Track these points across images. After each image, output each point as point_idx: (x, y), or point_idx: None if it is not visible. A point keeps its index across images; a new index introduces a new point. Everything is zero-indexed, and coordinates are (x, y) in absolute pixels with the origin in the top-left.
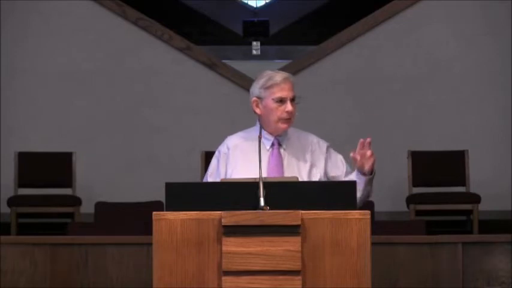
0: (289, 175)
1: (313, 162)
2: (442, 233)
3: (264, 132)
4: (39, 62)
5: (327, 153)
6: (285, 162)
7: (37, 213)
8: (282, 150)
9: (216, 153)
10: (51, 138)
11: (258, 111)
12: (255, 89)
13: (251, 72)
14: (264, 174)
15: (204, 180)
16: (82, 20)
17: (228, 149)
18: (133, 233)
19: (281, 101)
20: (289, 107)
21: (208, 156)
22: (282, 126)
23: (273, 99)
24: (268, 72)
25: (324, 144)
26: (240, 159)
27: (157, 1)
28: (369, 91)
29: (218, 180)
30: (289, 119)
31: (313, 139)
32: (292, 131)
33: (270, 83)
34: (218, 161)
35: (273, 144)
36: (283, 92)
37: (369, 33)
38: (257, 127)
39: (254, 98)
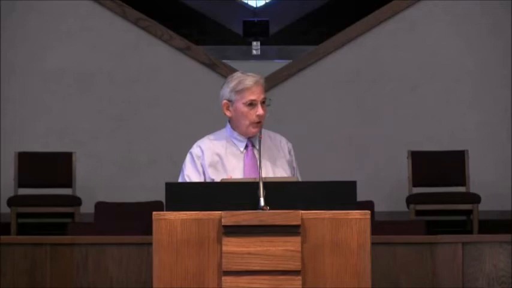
0: (266, 175)
1: (284, 162)
2: (442, 233)
3: (235, 134)
4: (39, 62)
5: (289, 154)
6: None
7: (37, 213)
8: (255, 152)
9: (189, 156)
10: (51, 138)
11: (228, 113)
12: (226, 91)
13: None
14: (240, 176)
15: (180, 180)
16: (82, 20)
17: (202, 151)
18: (133, 233)
19: (251, 104)
20: (260, 110)
21: None
22: (253, 130)
23: (243, 103)
24: (239, 75)
25: (288, 145)
26: (215, 161)
27: (157, 1)
28: (369, 91)
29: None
30: (259, 123)
31: (281, 139)
32: (262, 130)
33: (240, 87)
34: (194, 163)
35: (246, 146)
36: (254, 95)
37: (369, 33)
38: (228, 129)
39: (225, 101)
